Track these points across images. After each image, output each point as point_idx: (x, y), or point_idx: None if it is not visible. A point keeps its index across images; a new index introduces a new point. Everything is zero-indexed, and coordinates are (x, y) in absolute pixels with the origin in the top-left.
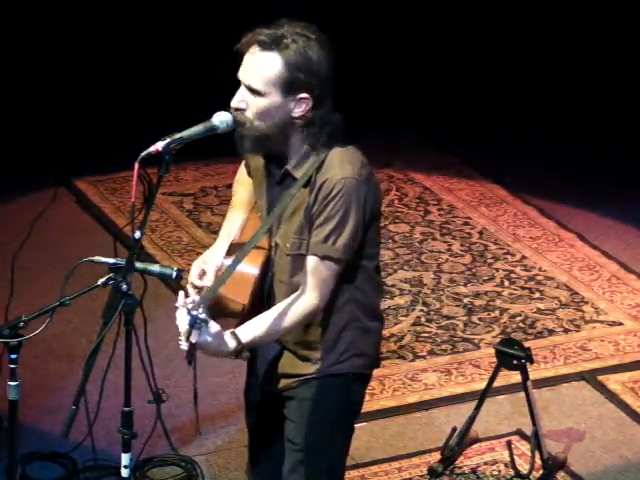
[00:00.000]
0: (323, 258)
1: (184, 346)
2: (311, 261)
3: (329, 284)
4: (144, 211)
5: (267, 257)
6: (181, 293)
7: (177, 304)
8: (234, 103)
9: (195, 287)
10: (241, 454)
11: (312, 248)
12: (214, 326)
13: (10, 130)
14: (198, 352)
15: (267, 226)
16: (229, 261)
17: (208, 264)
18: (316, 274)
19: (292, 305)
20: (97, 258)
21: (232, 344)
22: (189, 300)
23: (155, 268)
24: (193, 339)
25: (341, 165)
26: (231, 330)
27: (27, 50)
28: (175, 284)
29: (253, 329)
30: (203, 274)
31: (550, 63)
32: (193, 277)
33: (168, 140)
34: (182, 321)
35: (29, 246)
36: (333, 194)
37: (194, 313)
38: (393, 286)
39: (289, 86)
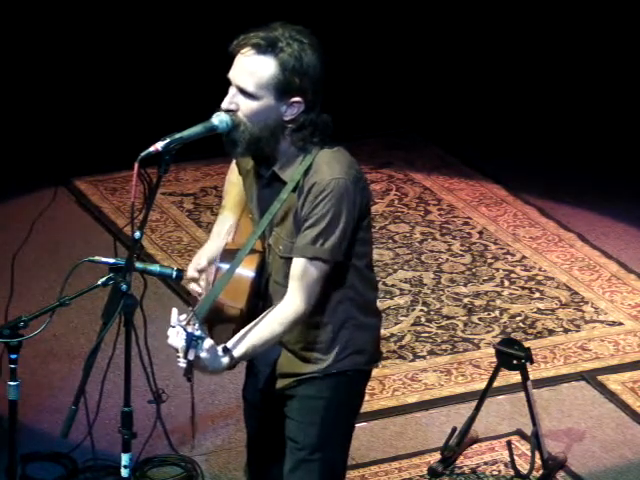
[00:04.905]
0: (312, 259)
1: (182, 363)
2: (299, 263)
3: (317, 286)
4: (144, 211)
5: (262, 259)
6: (174, 311)
7: (172, 323)
8: (225, 104)
9: (194, 280)
10: (241, 454)
11: (300, 250)
12: (207, 342)
13: (10, 130)
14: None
15: (259, 233)
16: (224, 265)
17: (202, 257)
18: (304, 277)
19: (280, 312)
20: (97, 258)
21: (225, 360)
22: (182, 317)
23: (155, 268)
24: (191, 356)
25: (329, 166)
26: (222, 345)
27: (28, 50)
28: (175, 284)
29: (244, 342)
30: (200, 266)
31: (550, 63)
32: (191, 271)
33: (168, 140)
34: (177, 339)
35: (29, 246)
36: (323, 195)
37: (189, 330)
38: (393, 286)
39: (283, 90)
